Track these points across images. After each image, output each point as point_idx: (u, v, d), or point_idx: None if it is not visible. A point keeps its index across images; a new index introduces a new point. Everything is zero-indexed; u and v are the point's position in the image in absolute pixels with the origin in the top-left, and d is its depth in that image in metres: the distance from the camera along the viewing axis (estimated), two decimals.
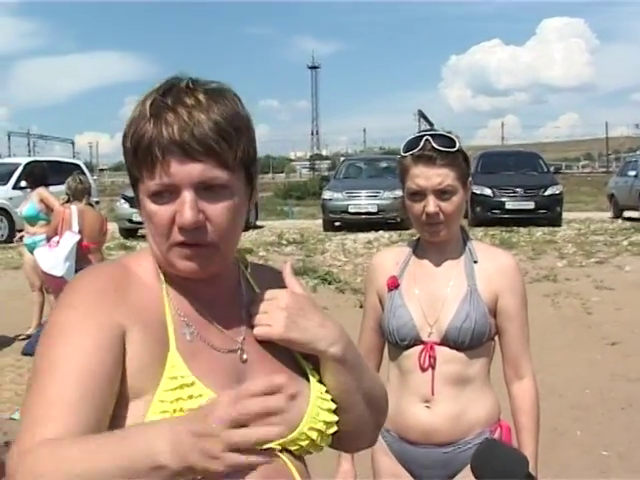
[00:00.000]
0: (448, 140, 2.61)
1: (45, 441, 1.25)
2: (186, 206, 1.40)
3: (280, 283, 1.62)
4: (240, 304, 1.58)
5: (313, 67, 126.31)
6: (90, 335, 1.36)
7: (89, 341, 1.35)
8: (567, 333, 9.13)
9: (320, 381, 1.57)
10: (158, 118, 1.40)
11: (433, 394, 2.61)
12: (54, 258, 7.84)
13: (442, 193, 2.57)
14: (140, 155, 1.41)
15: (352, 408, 1.60)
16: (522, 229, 17.27)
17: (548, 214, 18.64)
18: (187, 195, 1.40)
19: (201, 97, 1.43)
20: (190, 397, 1.37)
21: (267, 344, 1.54)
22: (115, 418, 1.37)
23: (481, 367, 2.65)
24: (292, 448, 1.49)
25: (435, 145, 2.57)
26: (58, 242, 8.05)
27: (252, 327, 1.54)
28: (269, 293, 1.56)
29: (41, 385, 1.33)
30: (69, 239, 7.94)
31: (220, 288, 1.56)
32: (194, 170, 1.40)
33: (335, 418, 1.55)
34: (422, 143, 2.59)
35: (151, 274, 1.51)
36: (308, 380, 1.56)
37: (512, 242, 15.30)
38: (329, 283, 12.03)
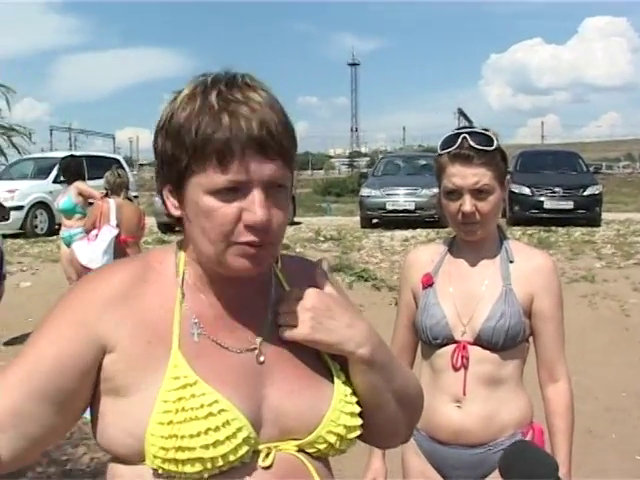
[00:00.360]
0: (486, 138, 2.57)
1: None
2: (258, 205, 1.38)
3: (310, 277, 1.59)
4: (267, 303, 1.56)
5: (353, 64, 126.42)
6: (58, 343, 1.45)
7: (54, 349, 1.44)
8: (604, 335, 9.04)
9: (346, 382, 1.54)
10: (233, 112, 1.37)
11: (465, 394, 2.59)
12: (92, 251, 7.89)
13: (479, 192, 2.54)
14: (209, 149, 1.36)
15: (383, 407, 1.58)
16: (560, 229, 17.08)
17: (587, 214, 18.41)
18: (258, 194, 1.38)
19: (264, 94, 1.42)
20: (192, 396, 1.37)
21: (291, 344, 1.51)
22: (101, 414, 1.45)
23: (514, 368, 2.62)
24: (309, 451, 1.47)
25: (472, 143, 2.54)
26: (96, 236, 8.12)
27: (277, 327, 1.51)
28: (296, 292, 1.52)
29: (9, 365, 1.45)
30: (107, 233, 7.99)
31: (247, 287, 1.52)
32: (268, 169, 1.39)
33: (358, 422, 1.52)
34: (459, 141, 2.56)
35: (170, 272, 1.50)
36: (333, 382, 1.53)
37: (550, 242, 15.13)
38: (365, 280, 11.99)
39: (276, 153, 1.39)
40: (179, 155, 1.39)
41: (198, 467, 1.35)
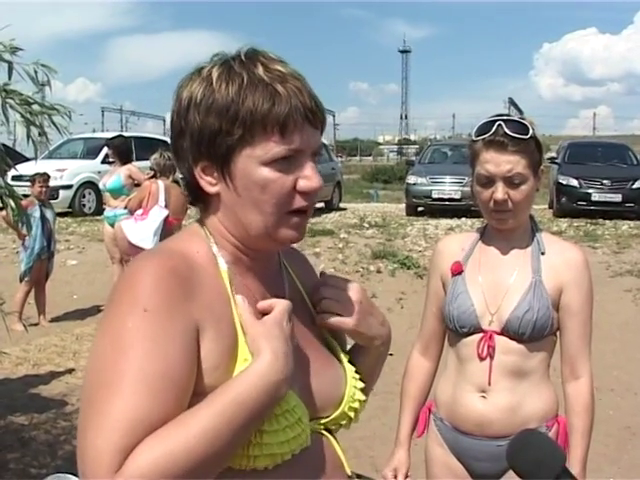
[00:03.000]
0: (521, 126, 2.55)
1: (140, 453, 1.20)
2: (313, 172, 1.44)
3: (308, 268, 1.73)
4: (283, 285, 1.59)
5: (404, 51, 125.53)
6: (172, 339, 1.30)
7: (172, 345, 1.29)
8: None
9: (349, 361, 1.63)
10: (286, 85, 1.41)
11: (490, 384, 2.58)
12: (144, 231, 7.96)
13: (511, 181, 2.52)
14: (270, 120, 1.38)
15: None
16: (608, 222, 16.86)
17: (635, 207, 18.09)
18: (311, 162, 1.45)
19: (294, 68, 1.47)
20: None
21: (303, 325, 1.56)
22: None
23: (540, 361, 2.61)
24: (333, 428, 1.55)
25: (507, 131, 2.51)
26: (142, 215, 8.21)
27: (295, 311, 1.49)
28: (338, 282, 1.61)
29: (122, 396, 1.23)
30: (158, 213, 8.07)
31: (269, 269, 1.58)
32: (316, 138, 1.46)
33: (365, 397, 1.62)
34: (494, 128, 2.54)
35: (209, 260, 1.47)
36: (339, 361, 1.61)
37: (597, 235, 14.98)
38: (408, 268, 11.97)
39: (320, 123, 1.47)
40: (229, 128, 1.40)
41: (267, 462, 1.35)
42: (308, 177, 1.43)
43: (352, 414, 1.57)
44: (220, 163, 1.44)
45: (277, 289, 1.55)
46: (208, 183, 1.47)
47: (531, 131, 2.55)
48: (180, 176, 1.56)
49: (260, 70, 1.42)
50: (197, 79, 1.45)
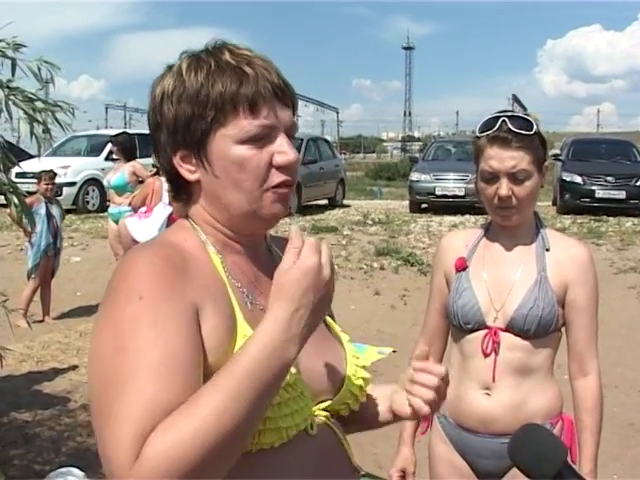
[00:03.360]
0: (525, 122, 2.54)
1: (159, 433, 1.19)
2: (287, 146, 1.48)
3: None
4: (272, 265, 1.54)
5: (407, 48, 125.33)
6: (172, 321, 1.29)
7: (173, 327, 1.29)
8: None
9: (348, 341, 1.66)
10: (253, 65, 1.47)
11: (494, 381, 2.58)
12: (148, 228, 7.97)
13: (516, 177, 2.52)
14: (240, 99, 1.44)
15: None
16: (611, 219, 16.86)
17: (639, 204, 18.18)
18: (284, 137, 1.49)
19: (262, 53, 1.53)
20: None
21: None
22: None
23: (545, 358, 2.60)
24: (340, 407, 1.56)
25: (511, 127, 2.51)
26: (145, 212, 8.22)
27: None
28: (430, 368, 1.64)
29: (130, 387, 1.22)
30: (162, 210, 8.09)
31: (259, 252, 1.60)
32: (287, 115, 1.51)
33: (368, 375, 1.64)
34: (498, 124, 2.53)
35: (198, 248, 1.50)
36: (339, 341, 1.65)
37: (600, 231, 14.98)
38: (411, 265, 11.98)
39: (290, 101, 1.52)
40: (201, 112, 1.45)
41: (274, 437, 1.37)
42: (283, 152, 1.47)
43: (357, 392, 1.59)
44: (197, 149, 1.48)
45: (270, 273, 1.49)
46: (188, 171, 1.51)
47: (535, 127, 2.54)
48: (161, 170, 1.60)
49: (227, 55, 1.48)
50: (168, 74, 1.52)
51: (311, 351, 1.49)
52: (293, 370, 1.38)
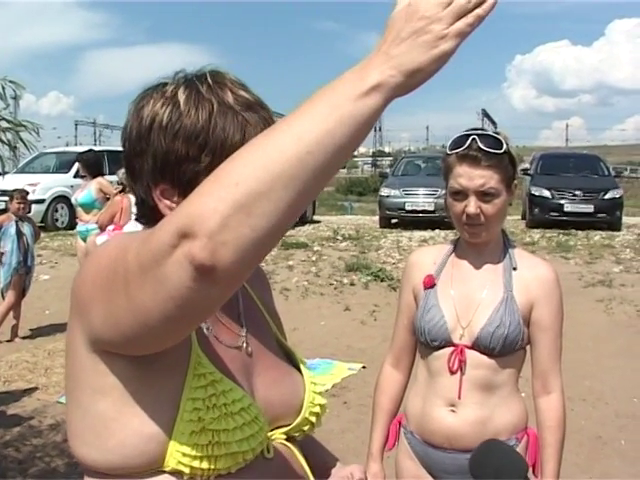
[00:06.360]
0: (495, 141, 2.56)
1: None
2: None
3: (261, 277, 1.74)
4: (237, 295, 1.57)
5: None
6: None
7: None
8: (619, 340, 8.96)
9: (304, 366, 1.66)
10: (253, 111, 1.43)
11: (460, 398, 2.58)
12: None
13: (484, 195, 2.53)
14: (247, 141, 1.22)
15: None
16: (580, 232, 16.97)
17: (607, 218, 18.26)
18: None
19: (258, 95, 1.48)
20: (223, 392, 1.36)
21: (261, 336, 1.57)
22: (105, 418, 1.31)
23: (510, 375, 2.62)
24: (296, 434, 1.56)
25: (481, 145, 2.52)
26: (114, 230, 8.18)
27: (251, 321, 1.57)
28: None
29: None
30: (133, 228, 8.04)
31: None
32: None
33: (325, 400, 1.63)
34: (468, 142, 2.54)
35: None
36: (295, 366, 1.64)
37: (569, 245, 15.07)
38: (381, 280, 11.99)
39: None
40: (197, 156, 1.39)
41: (230, 462, 1.35)
42: None
43: (314, 419, 1.58)
44: (183, 188, 1.40)
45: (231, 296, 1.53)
46: (166, 206, 1.44)
47: (505, 146, 2.56)
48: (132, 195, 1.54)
49: (229, 96, 1.42)
50: (160, 99, 1.43)
51: (269, 380, 1.51)
52: (243, 393, 1.39)
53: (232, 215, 1.03)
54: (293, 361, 1.65)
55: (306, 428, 1.57)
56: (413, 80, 1.11)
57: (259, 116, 1.42)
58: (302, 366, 1.64)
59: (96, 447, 1.33)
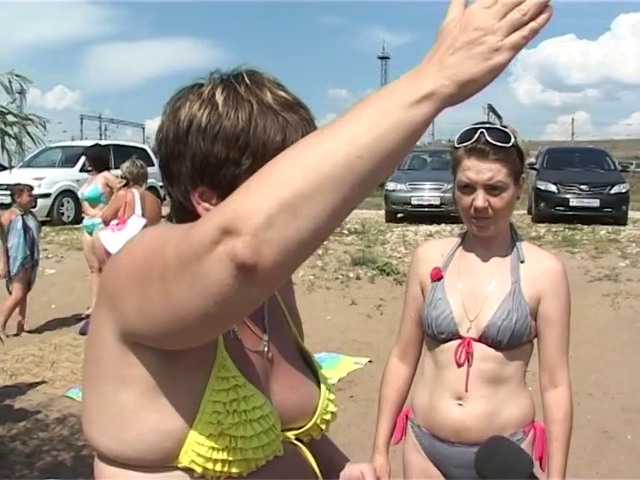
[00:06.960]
0: (503, 135, 2.56)
1: None
2: None
3: (287, 282, 1.70)
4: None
5: (383, 57, 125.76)
6: None
7: None
8: (624, 335, 8.94)
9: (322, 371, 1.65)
10: (293, 112, 1.40)
11: (467, 391, 2.58)
12: (123, 240, 7.90)
13: (492, 188, 2.54)
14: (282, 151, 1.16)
15: None
16: (586, 227, 16.91)
17: (613, 212, 18.19)
18: None
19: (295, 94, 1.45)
20: (245, 398, 1.35)
21: (282, 341, 1.56)
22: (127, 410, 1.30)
23: (517, 368, 2.62)
24: (305, 439, 1.55)
25: (489, 139, 2.53)
26: (118, 225, 8.18)
27: (274, 325, 1.56)
28: None
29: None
30: (137, 223, 8.05)
31: None
32: None
33: (336, 408, 1.63)
34: (476, 136, 2.55)
35: None
36: (314, 372, 1.62)
37: (575, 240, 15.02)
38: (387, 274, 11.96)
39: None
40: (237, 158, 1.37)
41: (242, 467, 1.34)
42: None
43: (323, 425, 1.58)
44: (222, 190, 1.37)
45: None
46: (205, 209, 1.42)
47: (513, 139, 2.56)
48: (168, 197, 1.50)
49: (268, 96, 1.39)
50: (197, 100, 1.41)
51: (287, 385, 1.51)
52: (264, 400, 1.38)
53: (277, 214, 1.02)
54: (310, 365, 1.63)
55: (315, 434, 1.57)
56: (465, 91, 1.10)
57: (299, 116, 1.40)
58: (320, 371, 1.63)
59: (112, 437, 1.32)
